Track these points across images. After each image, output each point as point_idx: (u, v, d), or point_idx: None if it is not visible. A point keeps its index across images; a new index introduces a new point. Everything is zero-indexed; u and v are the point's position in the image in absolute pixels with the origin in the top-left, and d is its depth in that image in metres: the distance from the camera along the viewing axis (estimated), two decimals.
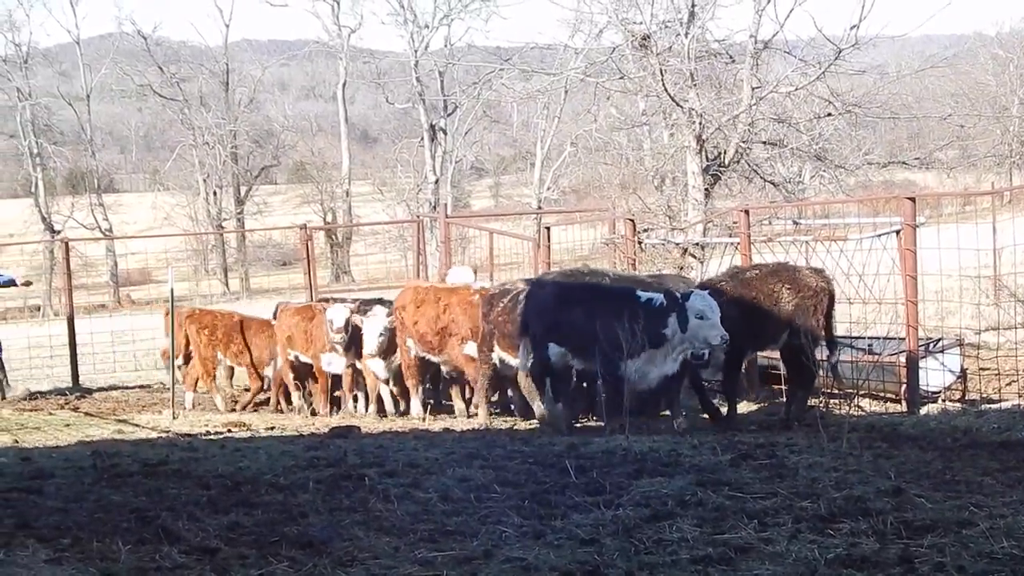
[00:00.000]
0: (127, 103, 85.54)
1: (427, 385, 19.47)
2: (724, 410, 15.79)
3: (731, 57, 28.10)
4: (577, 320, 14.82)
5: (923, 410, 15.56)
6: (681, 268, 21.59)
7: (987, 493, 9.11)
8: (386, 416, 18.67)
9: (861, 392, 15.99)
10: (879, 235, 17.68)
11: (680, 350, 14.27)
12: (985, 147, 59.59)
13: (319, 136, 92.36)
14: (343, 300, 20.45)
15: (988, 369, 17.63)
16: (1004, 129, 66.02)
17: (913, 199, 16.36)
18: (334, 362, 19.20)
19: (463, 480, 10.15)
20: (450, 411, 18.78)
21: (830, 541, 7.77)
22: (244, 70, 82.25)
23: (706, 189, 25.77)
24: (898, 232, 16.58)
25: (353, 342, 18.81)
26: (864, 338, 17.88)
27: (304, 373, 20.10)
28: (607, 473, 10.28)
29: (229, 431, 15.71)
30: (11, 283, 22.44)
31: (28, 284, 24.59)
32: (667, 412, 15.82)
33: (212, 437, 14.80)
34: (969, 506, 8.58)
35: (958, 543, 7.58)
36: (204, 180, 74.68)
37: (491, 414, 17.90)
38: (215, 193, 74.82)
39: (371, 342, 18.32)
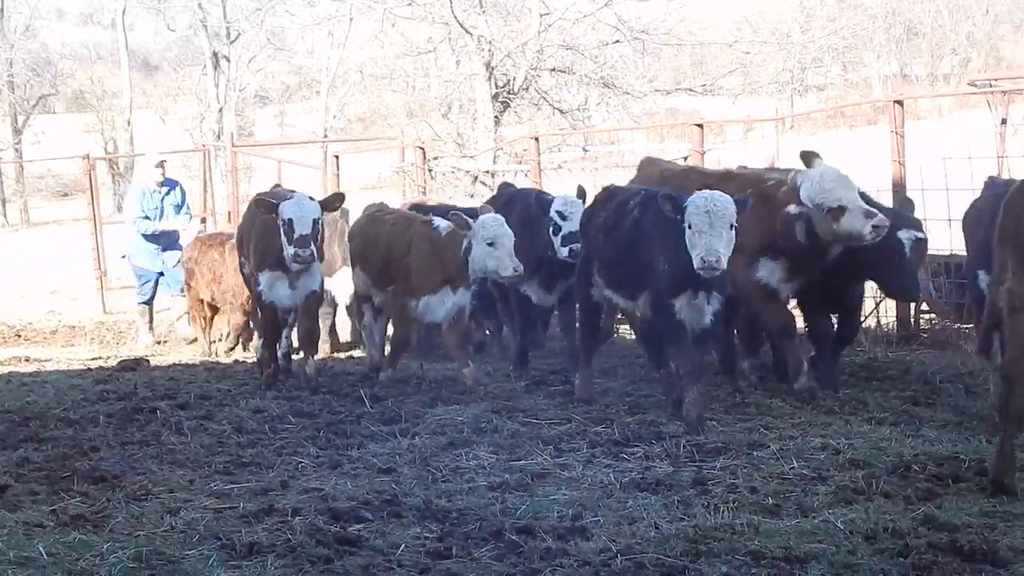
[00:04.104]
0: None
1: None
2: None
3: None
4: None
5: None
6: (472, 196, 21.59)
7: (776, 415, 9.35)
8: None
9: None
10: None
11: None
12: (768, 74, 60.48)
13: (99, 64, 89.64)
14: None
15: None
16: (786, 56, 67.16)
17: (701, 125, 16.62)
18: None
19: (257, 411, 10.12)
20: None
21: (625, 465, 7.91)
22: None
23: (496, 116, 25.83)
24: (686, 159, 16.79)
25: None
26: None
27: None
28: (402, 402, 10.33)
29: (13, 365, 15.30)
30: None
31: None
32: None
33: None
34: (759, 428, 8.82)
35: (749, 465, 7.79)
36: None
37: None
38: None
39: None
